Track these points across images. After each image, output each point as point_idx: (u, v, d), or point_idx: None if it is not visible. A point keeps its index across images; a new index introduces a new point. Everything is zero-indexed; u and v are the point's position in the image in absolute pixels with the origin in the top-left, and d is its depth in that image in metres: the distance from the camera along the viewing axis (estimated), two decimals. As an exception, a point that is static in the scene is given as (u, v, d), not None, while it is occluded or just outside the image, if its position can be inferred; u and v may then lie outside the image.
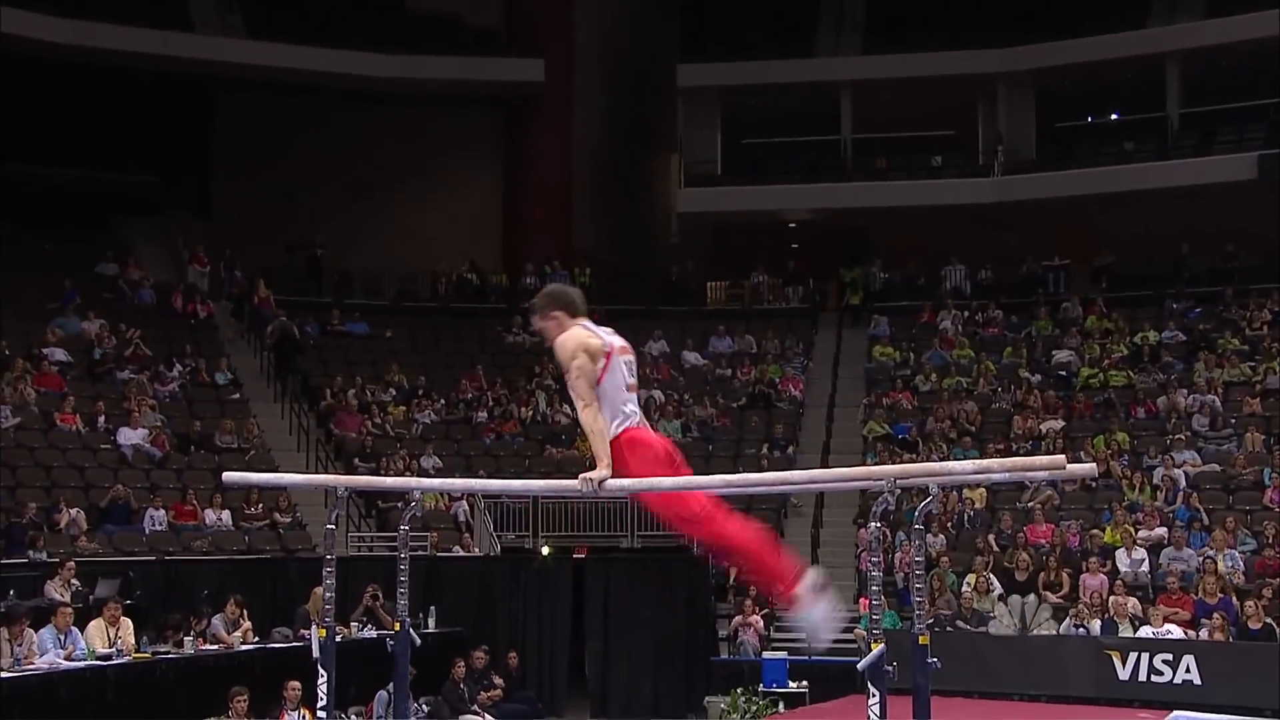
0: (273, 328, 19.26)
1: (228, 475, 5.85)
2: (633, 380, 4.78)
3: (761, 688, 13.68)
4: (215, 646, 11.51)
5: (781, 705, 12.96)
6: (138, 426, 16.02)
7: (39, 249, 19.81)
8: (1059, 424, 17.94)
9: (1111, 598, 13.74)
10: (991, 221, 22.97)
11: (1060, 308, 21.16)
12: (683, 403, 19.57)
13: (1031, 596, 14.42)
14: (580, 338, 4.71)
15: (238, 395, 18.16)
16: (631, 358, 4.81)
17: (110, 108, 21.60)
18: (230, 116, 23.12)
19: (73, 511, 13.96)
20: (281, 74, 21.73)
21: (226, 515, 15.12)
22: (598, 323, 4.96)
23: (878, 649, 3.93)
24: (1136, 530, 15.03)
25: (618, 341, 4.79)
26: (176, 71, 21.22)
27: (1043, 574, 14.56)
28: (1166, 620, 13.12)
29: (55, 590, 11.54)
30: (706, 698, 13.98)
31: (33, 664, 9.65)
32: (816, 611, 4.43)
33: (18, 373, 15.98)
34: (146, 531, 14.37)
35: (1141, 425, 17.89)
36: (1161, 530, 15.04)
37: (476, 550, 16.24)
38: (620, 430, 4.64)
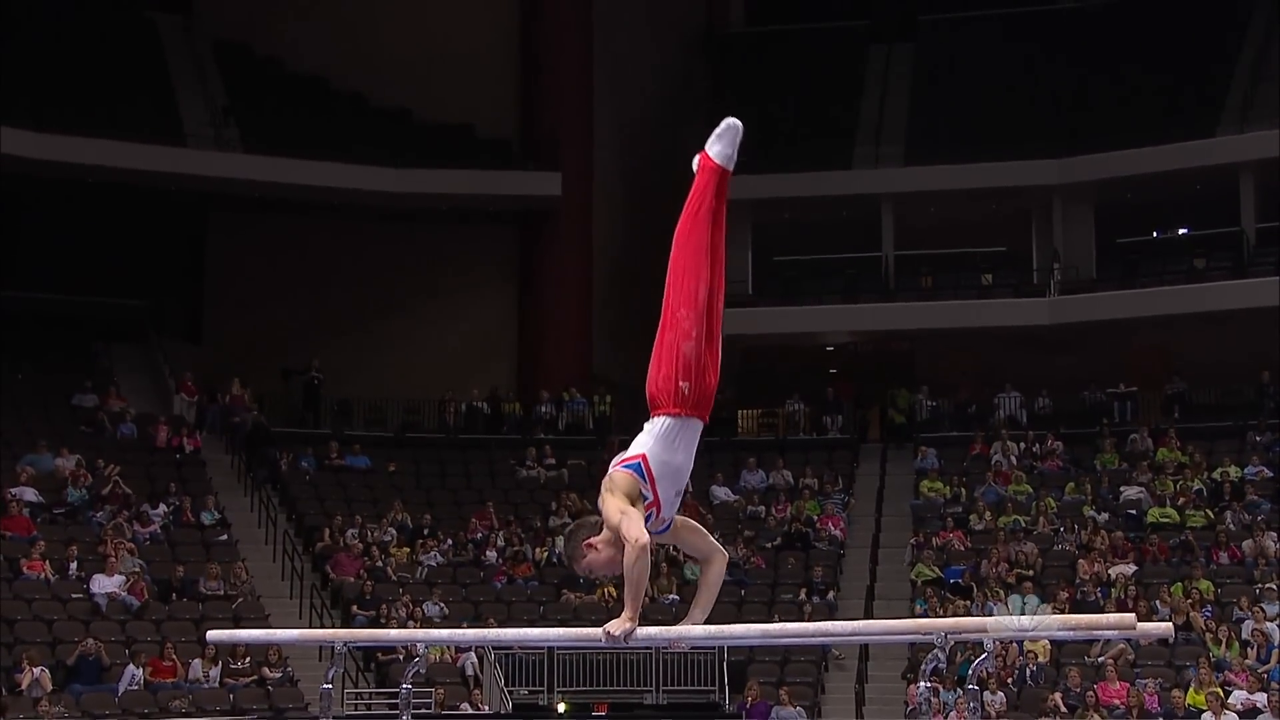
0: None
1: (212, 634, 5.83)
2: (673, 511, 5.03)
3: None
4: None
5: None
6: (114, 573, 16.02)
7: (12, 379, 20.02)
8: (1130, 568, 17.72)
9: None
10: (1048, 345, 22.99)
11: (1128, 439, 21.03)
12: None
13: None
14: (610, 494, 4.88)
15: (225, 536, 18.18)
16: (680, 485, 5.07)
17: (93, 227, 22.05)
18: (223, 235, 23.58)
19: (36, 670, 13.85)
20: (279, 189, 22.19)
21: (215, 671, 15.01)
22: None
23: (931, 827, 3.86)
24: (1226, 693, 14.70)
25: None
26: (166, 188, 21.72)
27: (1118, 739, 14.26)
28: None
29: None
30: None
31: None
32: (713, 141, 5.14)
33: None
34: (120, 691, 14.26)
35: (1225, 572, 17.63)
36: (1258, 695, 14.69)
37: (486, 708, 16.04)
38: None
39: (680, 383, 4.81)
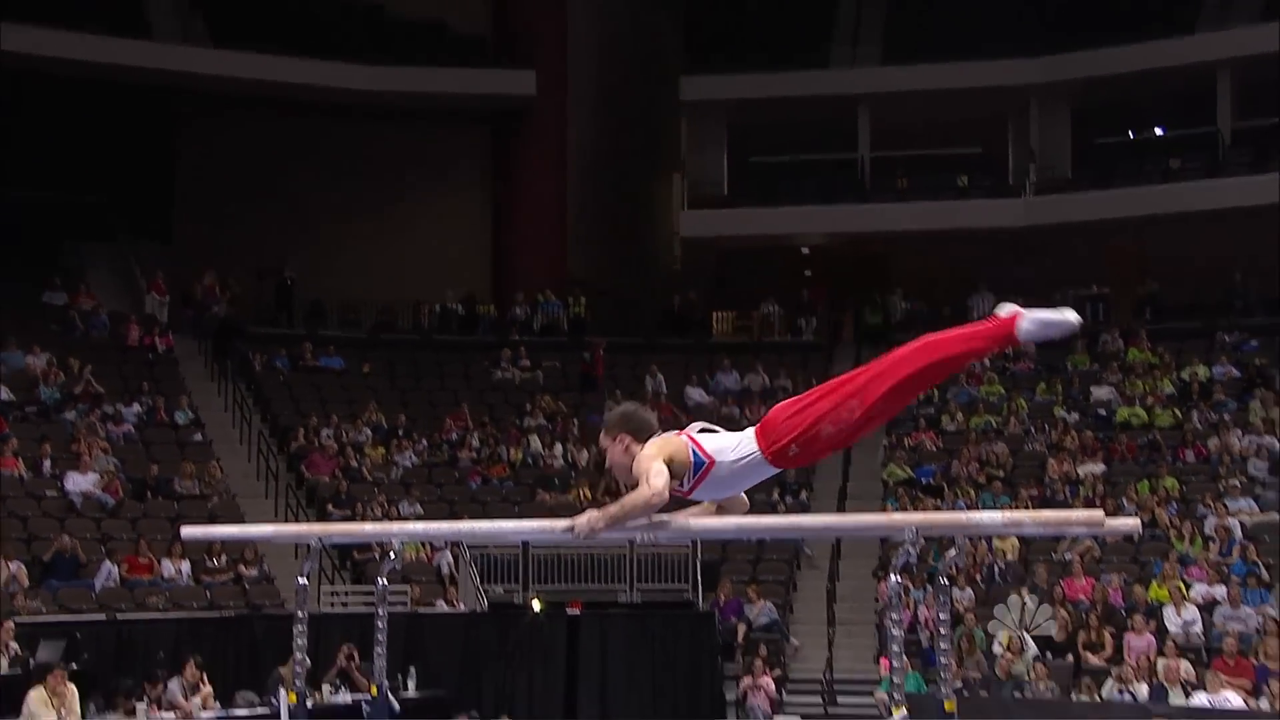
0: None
1: (186, 530, 5.81)
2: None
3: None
4: (172, 715, 11.44)
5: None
6: (88, 471, 15.99)
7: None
8: (1099, 468, 17.93)
9: (1161, 660, 13.66)
10: (1023, 247, 23.02)
11: (1099, 341, 21.18)
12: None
13: (1070, 658, 14.36)
14: (661, 448, 4.67)
15: (200, 436, 18.16)
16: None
17: (59, 122, 21.63)
18: (192, 132, 23.20)
19: (12, 565, 13.88)
20: (248, 86, 21.81)
21: (186, 567, 15.06)
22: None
23: (899, 715, 3.92)
24: (1188, 586, 14.97)
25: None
26: (132, 83, 21.28)
27: (1083, 633, 14.50)
28: (1224, 686, 13.03)
29: (-6, 653, 11.49)
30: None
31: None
32: (1037, 320, 4.63)
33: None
34: (96, 587, 14.32)
35: (1191, 470, 17.86)
36: (1217, 587, 14.97)
37: (461, 605, 16.18)
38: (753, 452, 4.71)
39: (793, 446, 4.61)
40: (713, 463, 4.67)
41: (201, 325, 20.52)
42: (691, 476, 4.67)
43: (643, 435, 4.76)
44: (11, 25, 19.46)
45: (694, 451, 4.67)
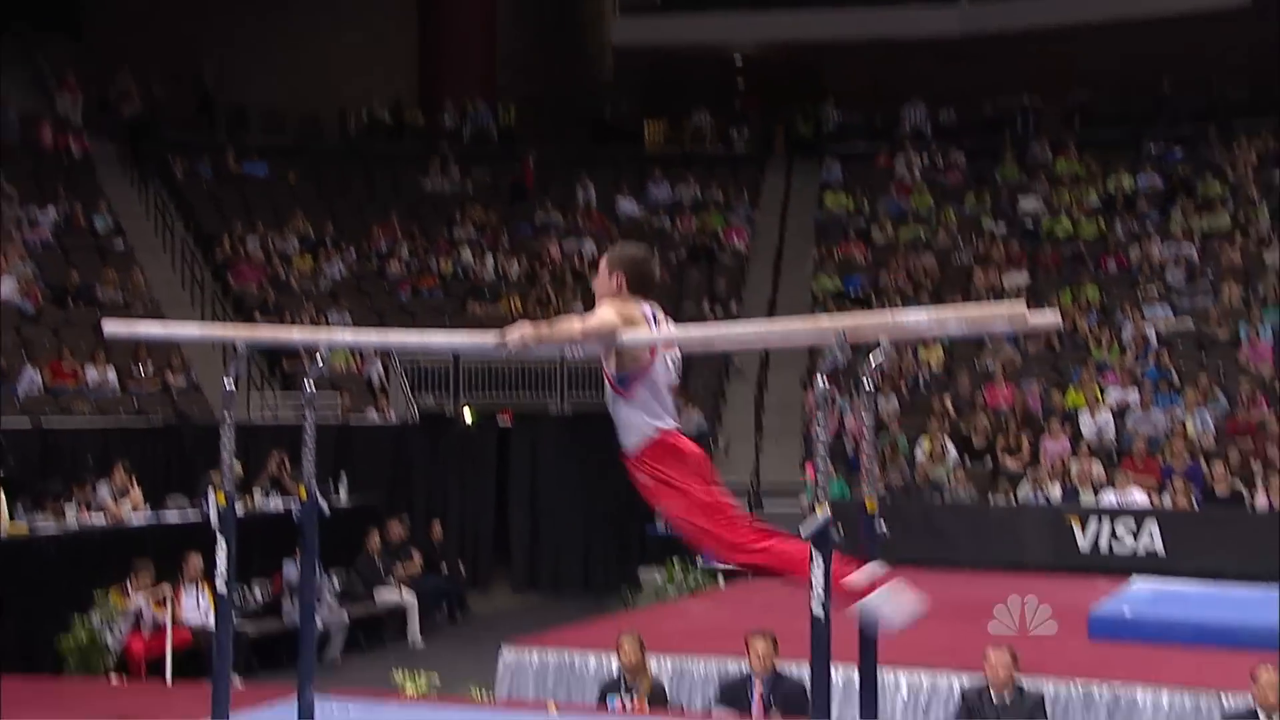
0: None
1: (109, 325, 5.70)
2: (675, 380, 4.59)
3: (700, 560, 13.95)
4: (101, 515, 11.46)
5: (721, 579, 13.24)
6: (4, 276, 15.64)
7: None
8: (1024, 278, 18.15)
9: (1073, 462, 14.10)
10: (956, 55, 22.81)
11: (1028, 151, 21.22)
12: (617, 255, 19.49)
13: (989, 462, 14.77)
14: (631, 314, 4.43)
15: (121, 243, 17.79)
16: (677, 354, 4.63)
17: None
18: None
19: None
20: None
21: (112, 375, 14.88)
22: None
23: (822, 513, 3.99)
24: (1103, 392, 15.34)
25: (667, 333, 4.56)
26: None
27: (1000, 438, 14.88)
28: (1131, 485, 13.51)
29: (-82, 459, 11.40)
30: (640, 570, 14.25)
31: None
32: (881, 600, 4.11)
33: None
34: (19, 394, 14.16)
35: (1112, 279, 18.14)
36: (1130, 391, 15.38)
37: (392, 415, 16.25)
38: (658, 433, 4.53)
39: (647, 479, 4.49)
40: (645, 374, 4.48)
41: (117, 128, 19.90)
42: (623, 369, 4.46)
43: (634, 286, 4.55)
44: None
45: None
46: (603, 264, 4.64)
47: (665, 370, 4.58)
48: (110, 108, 20.22)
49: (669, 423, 4.56)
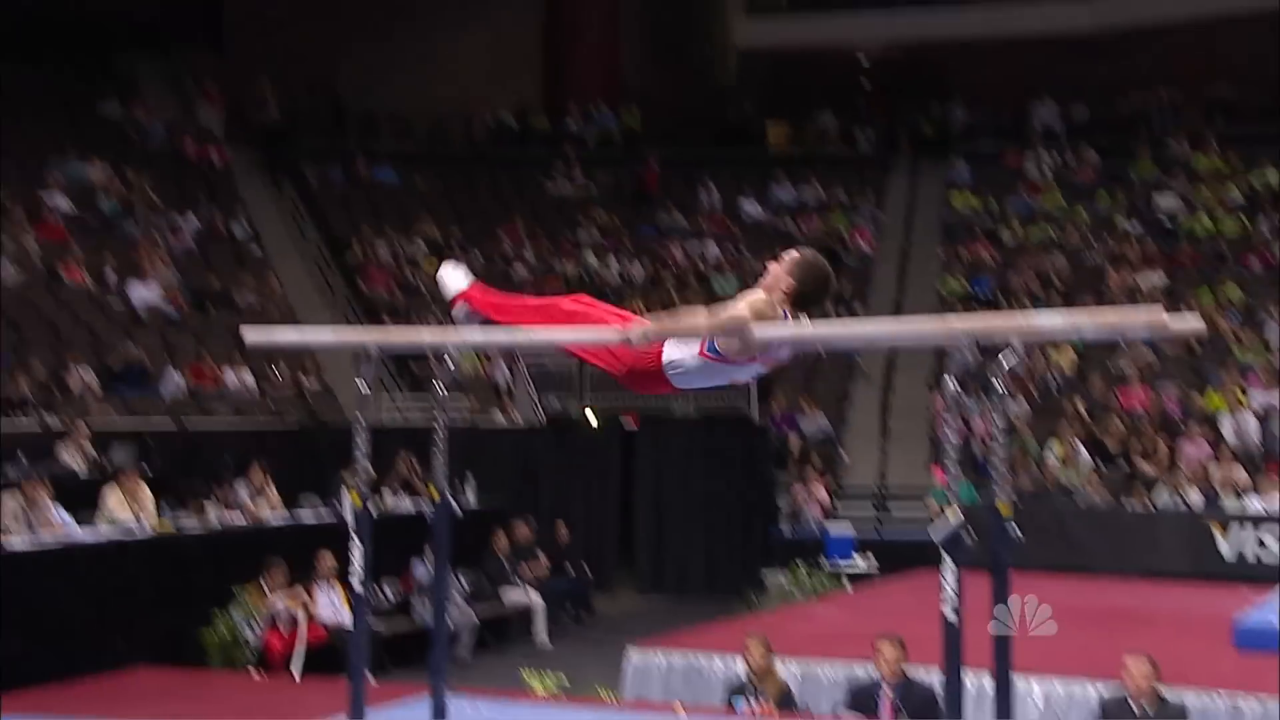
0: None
1: (248, 333, 5.86)
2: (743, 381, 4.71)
3: (825, 562, 13.88)
4: (239, 514, 11.77)
5: (847, 582, 13.14)
6: (150, 282, 16.17)
7: (36, 86, 19.73)
8: (1160, 278, 17.69)
9: (1214, 466, 13.69)
10: (1087, 52, 22.29)
11: (1165, 147, 20.66)
12: (740, 256, 19.47)
13: (1124, 466, 14.43)
14: (767, 312, 4.42)
15: (257, 249, 18.29)
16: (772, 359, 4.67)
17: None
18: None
19: (84, 373, 14.18)
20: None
21: (249, 378, 15.31)
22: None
23: (954, 517, 3.94)
24: (1245, 394, 14.88)
25: (800, 328, 4.60)
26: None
27: (1135, 441, 14.53)
28: (1276, 490, 13.08)
29: (68, 456, 11.83)
30: (764, 572, 14.21)
31: (50, 535, 9.92)
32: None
33: (17, 223, 16.07)
34: (165, 396, 14.62)
35: (1256, 278, 17.57)
36: (1274, 394, 14.88)
37: (518, 418, 16.43)
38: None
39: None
40: (732, 363, 4.52)
41: (254, 136, 20.50)
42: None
43: (799, 300, 4.50)
44: None
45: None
46: (786, 260, 4.57)
47: (747, 370, 4.57)
48: (248, 117, 20.80)
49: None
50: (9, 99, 18.28)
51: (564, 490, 15.94)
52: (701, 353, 4.53)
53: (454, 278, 5.25)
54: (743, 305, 4.44)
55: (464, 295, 5.21)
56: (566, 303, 4.96)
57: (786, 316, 4.53)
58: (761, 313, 4.42)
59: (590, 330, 4.79)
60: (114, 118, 19.73)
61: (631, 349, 4.57)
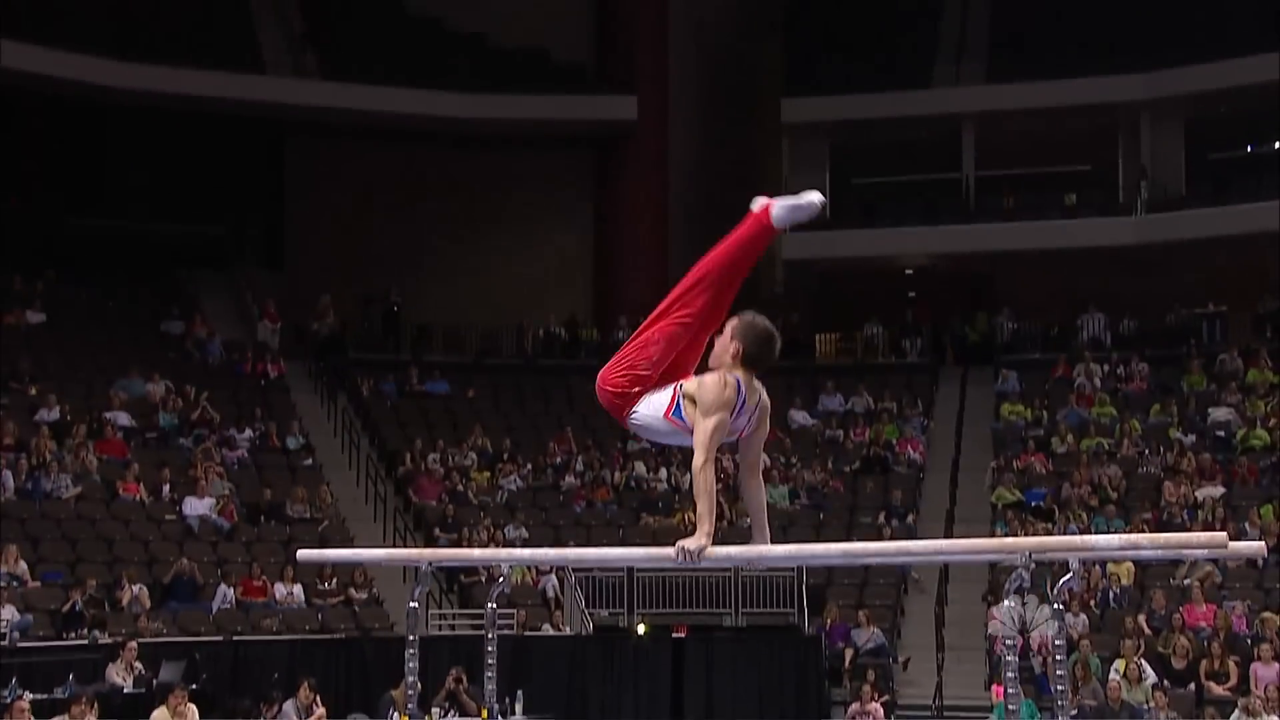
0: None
1: (302, 553, 5.92)
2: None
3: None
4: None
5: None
6: (204, 496, 16.37)
7: (101, 306, 20.43)
8: (1218, 490, 17.47)
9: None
10: (1134, 265, 22.56)
11: (1216, 360, 20.66)
12: (790, 466, 19.45)
13: (1192, 687, 13.99)
14: (730, 396, 4.71)
15: (310, 461, 18.50)
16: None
17: (174, 154, 22.34)
18: (302, 162, 23.75)
19: (135, 588, 14.26)
20: (356, 116, 22.31)
21: (298, 590, 15.33)
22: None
23: (1017, 743, 3.85)
24: (1317, 613, 14.50)
25: (750, 409, 4.85)
26: (245, 115, 21.92)
27: (1205, 662, 14.12)
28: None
29: (117, 674, 11.79)
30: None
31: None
32: (786, 206, 4.81)
33: (79, 439, 16.43)
34: (214, 610, 14.63)
35: (1317, 493, 17.32)
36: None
37: (567, 629, 16.25)
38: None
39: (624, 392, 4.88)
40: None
41: (309, 349, 20.96)
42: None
43: (748, 360, 4.80)
44: (132, 64, 20.20)
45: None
46: (729, 326, 4.87)
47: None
48: (306, 333, 21.32)
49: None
50: (78, 318, 18.95)
51: (613, 700, 15.63)
52: (667, 416, 4.80)
53: None
54: (709, 424, 4.68)
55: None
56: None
57: (739, 383, 4.73)
58: (719, 403, 4.68)
59: (644, 553, 4.88)
60: (175, 334, 20.28)
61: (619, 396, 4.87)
